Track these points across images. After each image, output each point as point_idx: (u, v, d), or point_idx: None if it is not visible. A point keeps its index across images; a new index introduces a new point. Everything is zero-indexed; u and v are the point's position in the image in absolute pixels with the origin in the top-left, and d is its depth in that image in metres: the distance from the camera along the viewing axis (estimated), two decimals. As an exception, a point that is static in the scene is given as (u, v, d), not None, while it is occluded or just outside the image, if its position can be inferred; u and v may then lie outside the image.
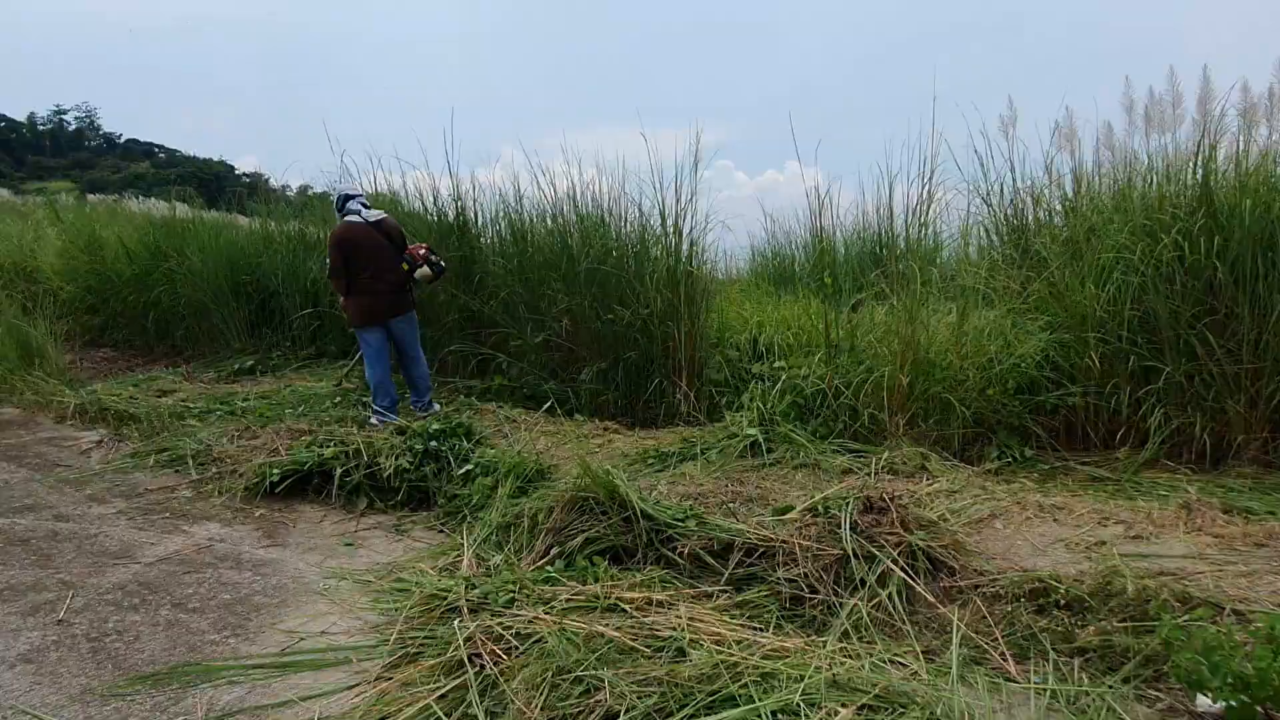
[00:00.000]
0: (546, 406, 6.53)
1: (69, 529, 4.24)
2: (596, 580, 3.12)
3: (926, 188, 5.85)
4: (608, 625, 2.73)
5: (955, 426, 5.36)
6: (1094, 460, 5.25)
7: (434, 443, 4.71)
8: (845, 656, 2.72)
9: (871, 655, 2.73)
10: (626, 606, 2.87)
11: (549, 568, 3.33)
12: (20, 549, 3.96)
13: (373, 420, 5.93)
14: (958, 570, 3.32)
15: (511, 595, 3.04)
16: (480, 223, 7.70)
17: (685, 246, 6.46)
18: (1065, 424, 5.52)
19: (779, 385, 5.61)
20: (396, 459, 4.56)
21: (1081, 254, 5.57)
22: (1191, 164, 5.56)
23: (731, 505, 3.79)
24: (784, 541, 3.30)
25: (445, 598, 3.15)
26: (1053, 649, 2.81)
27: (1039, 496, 4.24)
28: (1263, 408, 4.95)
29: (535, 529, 3.61)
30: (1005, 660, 2.79)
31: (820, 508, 3.54)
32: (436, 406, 6.24)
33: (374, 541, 4.11)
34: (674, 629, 2.73)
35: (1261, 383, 4.91)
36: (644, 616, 2.81)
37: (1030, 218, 6.96)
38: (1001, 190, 7.45)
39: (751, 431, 5.11)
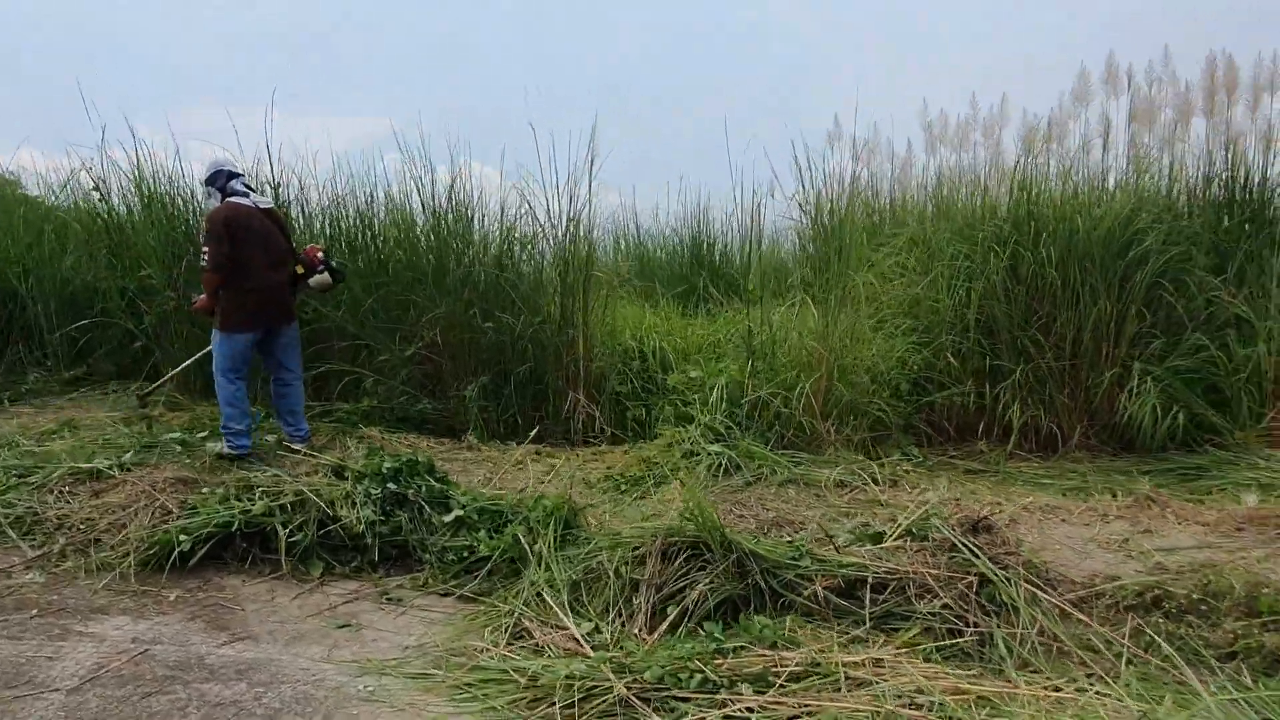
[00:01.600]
0: (427, 430, 5.74)
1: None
2: (770, 642, 2.65)
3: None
4: (861, 702, 2.31)
5: (863, 430, 5.49)
6: (961, 454, 5.65)
7: (392, 484, 3.84)
8: (1049, 690, 2.56)
9: (1077, 686, 2.59)
10: (850, 672, 2.46)
11: (678, 633, 2.80)
12: None
13: (223, 449, 4.76)
14: (1057, 583, 3.31)
15: (681, 672, 2.48)
16: (308, 217, 6.56)
17: (584, 248, 5.96)
18: (928, 421, 5.89)
19: (714, 395, 5.35)
20: (357, 508, 3.64)
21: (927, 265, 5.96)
22: (1010, 181, 6.24)
23: (803, 535, 3.46)
24: (914, 572, 3.06)
25: (575, 684, 2.51)
26: (1207, 655, 2.86)
27: (1029, 497, 4.40)
28: (1083, 399, 5.64)
29: (622, 585, 3.03)
30: (1179, 672, 2.79)
31: (914, 530, 3.35)
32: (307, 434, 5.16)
33: (368, 617, 3.23)
34: (918, 691, 2.39)
35: (1080, 376, 5.61)
36: (879, 682, 2.42)
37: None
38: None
39: (716, 449, 4.79)
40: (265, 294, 4.82)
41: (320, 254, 5.05)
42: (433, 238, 6.17)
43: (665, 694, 2.43)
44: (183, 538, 3.51)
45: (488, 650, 2.89)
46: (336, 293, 5.77)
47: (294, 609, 3.29)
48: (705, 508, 3.07)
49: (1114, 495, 4.56)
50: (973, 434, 5.81)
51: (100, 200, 6.49)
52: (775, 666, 2.50)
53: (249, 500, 3.68)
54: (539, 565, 3.26)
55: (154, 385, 5.71)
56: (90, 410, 5.83)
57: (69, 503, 4.00)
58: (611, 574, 3.06)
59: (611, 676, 2.50)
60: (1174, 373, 5.38)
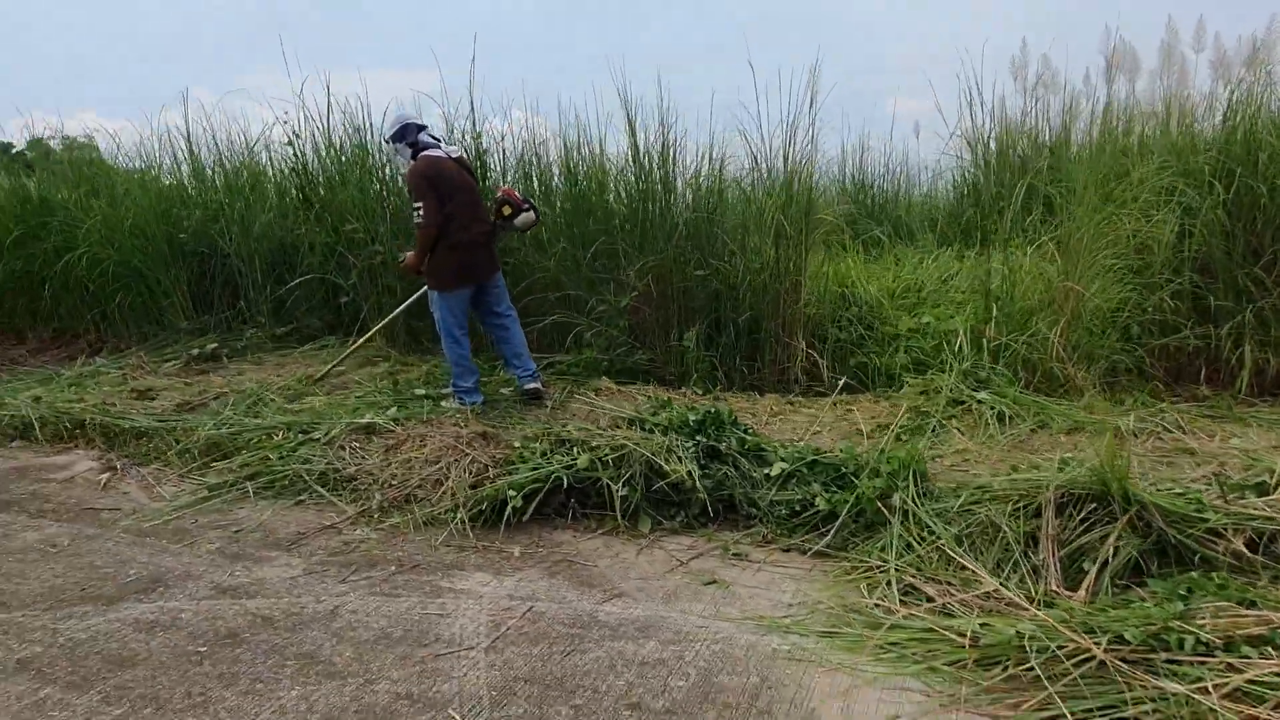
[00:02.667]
0: (648, 380, 5.63)
1: (270, 607, 2.86)
2: (1240, 600, 2.47)
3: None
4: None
5: (1099, 374, 5.22)
6: (1184, 397, 5.30)
7: (700, 437, 3.73)
8: None
9: None
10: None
11: (1101, 591, 2.64)
12: (253, 652, 2.58)
13: (452, 404, 4.81)
14: None
15: (1165, 633, 2.31)
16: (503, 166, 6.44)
17: (805, 193, 5.72)
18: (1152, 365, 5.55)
19: (957, 341, 5.13)
20: (682, 462, 3.53)
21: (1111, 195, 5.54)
22: (1224, 109, 5.81)
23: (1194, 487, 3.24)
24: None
25: (1030, 645, 2.37)
26: None
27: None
28: None
29: (1014, 539, 2.88)
30: None
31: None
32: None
33: (726, 574, 3.11)
34: None
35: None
36: None
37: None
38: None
39: (983, 396, 4.59)
40: (473, 248, 4.77)
41: (517, 194, 4.99)
42: (637, 184, 5.98)
43: (1150, 658, 2.28)
44: (511, 493, 3.44)
45: (883, 607, 2.77)
46: (546, 243, 5.68)
47: (645, 565, 3.20)
48: (1115, 456, 2.87)
49: None
50: (1193, 378, 5.52)
51: (296, 155, 6.45)
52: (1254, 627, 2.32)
53: (568, 454, 3.59)
54: (905, 520, 3.12)
55: (327, 368, 5.65)
56: (311, 364, 5.85)
57: (365, 458, 3.99)
58: (1005, 527, 2.90)
59: (1079, 637, 2.35)
60: None
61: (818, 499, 3.36)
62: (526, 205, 4.97)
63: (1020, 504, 2.98)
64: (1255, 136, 5.42)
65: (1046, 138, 7.82)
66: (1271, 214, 5.24)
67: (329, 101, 6.60)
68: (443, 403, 4.91)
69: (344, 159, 6.55)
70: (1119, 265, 5.21)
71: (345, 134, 6.52)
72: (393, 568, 3.18)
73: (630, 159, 6.03)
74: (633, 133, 5.88)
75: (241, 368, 5.90)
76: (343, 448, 4.07)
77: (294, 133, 6.51)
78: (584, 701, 2.31)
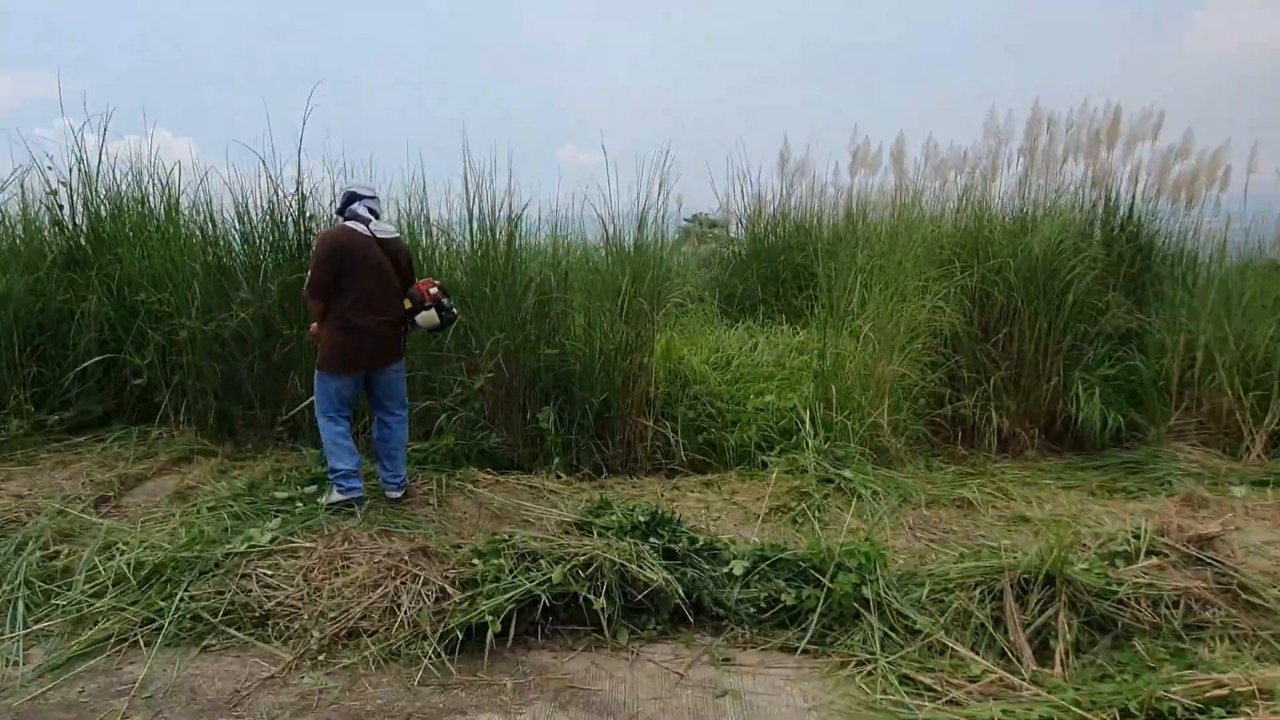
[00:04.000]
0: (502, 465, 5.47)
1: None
2: (1193, 665, 3.00)
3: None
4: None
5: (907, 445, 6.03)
6: (945, 458, 6.23)
7: (653, 539, 3.73)
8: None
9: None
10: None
11: (1069, 665, 3.07)
12: None
13: (333, 498, 4.45)
14: None
15: (1159, 702, 2.75)
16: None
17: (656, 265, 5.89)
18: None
19: (807, 420, 5.60)
20: (653, 569, 3.50)
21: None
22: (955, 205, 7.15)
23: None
24: (1191, 588, 3.54)
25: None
26: None
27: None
28: (1036, 403, 6.45)
29: (983, 626, 3.24)
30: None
31: (1149, 548, 3.84)
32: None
33: (729, 683, 3.13)
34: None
35: (1028, 383, 6.45)
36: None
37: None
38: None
39: (848, 474, 5.06)
40: (362, 335, 4.43)
41: (434, 289, 4.65)
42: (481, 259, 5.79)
43: (1151, 727, 2.71)
44: (489, 617, 3.21)
45: (900, 703, 2.99)
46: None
47: (646, 682, 3.14)
48: (1064, 542, 3.35)
49: (1164, 492, 5.33)
50: (952, 441, 6.52)
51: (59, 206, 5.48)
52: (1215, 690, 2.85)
53: (536, 569, 3.42)
54: (880, 611, 3.37)
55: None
56: (107, 462, 4.94)
57: (277, 588, 3.48)
58: (974, 613, 3.26)
59: (1094, 715, 2.73)
60: (1104, 380, 6.33)
61: (783, 595, 3.52)
62: (430, 304, 4.57)
63: (979, 589, 3.37)
64: (982, 231, 6.57)
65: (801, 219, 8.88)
66: (996, 298, 6.34)
67: (102, 145, 5.69)
68: (320, 499, 4.49)
69: (124, 211, 5.67)
70: (913, 346, 6.01)
71: (130, 181, 5.65)
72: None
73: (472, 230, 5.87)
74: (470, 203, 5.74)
75: (8, 471, 4.81)
76: (245, 576, 3.51)
77: (60, 180, 5.54)
78: None
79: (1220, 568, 3.67)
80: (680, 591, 3.49)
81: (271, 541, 3.77)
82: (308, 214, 5.59)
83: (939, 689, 3.03)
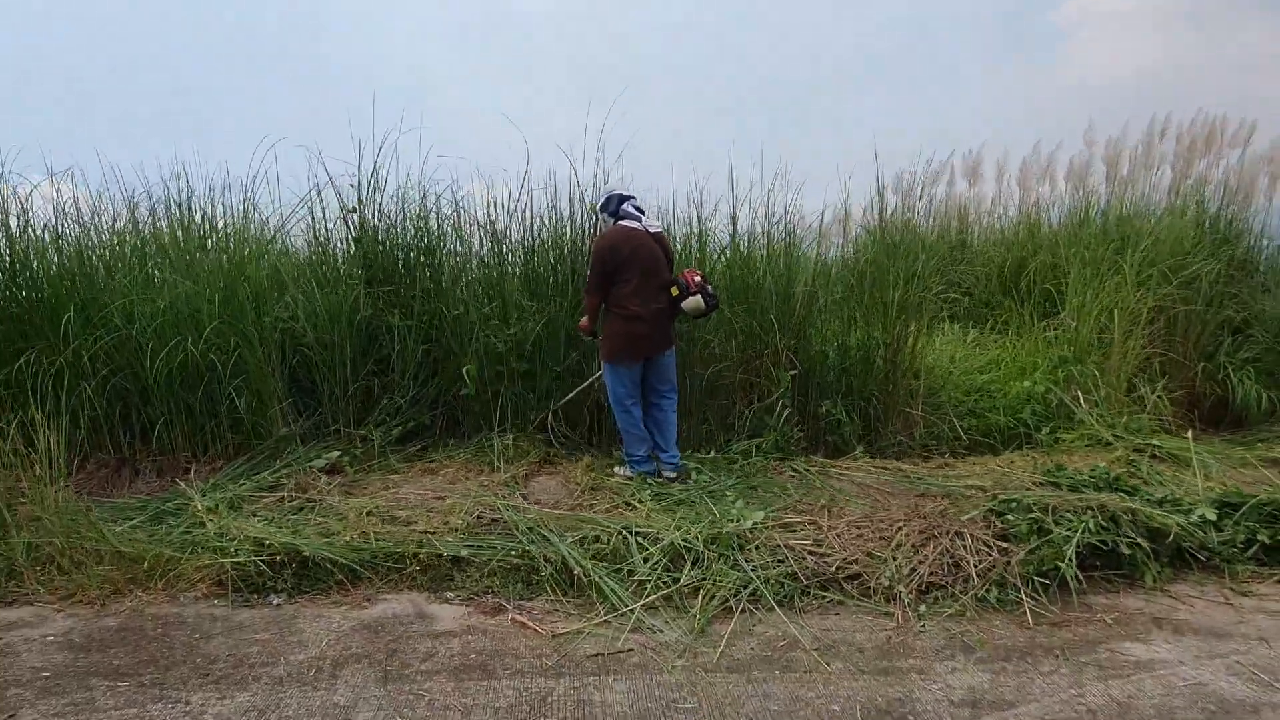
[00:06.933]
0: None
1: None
2: None
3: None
4: None
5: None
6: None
7: (1120, 492, 4.07)
8: None
9: None
10: None
11: None
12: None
13: (622, 472, 5.01)
14: None
15: None
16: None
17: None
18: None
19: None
20: (1157, 518, 3.84)
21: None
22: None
23: None
24: None
25: None
26: None
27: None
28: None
29: None
30: None
31: None
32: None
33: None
34: None
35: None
36: None
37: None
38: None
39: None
40: (644, 322, 4.79)
41: (698, 277, 4.93)
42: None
43: None
44: (1061, 564, 3.50)
45: None
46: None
47: (1209, 609, 3.47)
48: None
49: None
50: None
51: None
52: None
53: (1060, 522, 3.71)
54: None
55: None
56: (473, 469, 5.00)
57: (827, 556, 3.67)
58: None
59: None
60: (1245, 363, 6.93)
61: (1259, 535, 3.90)
62: (695, 290, 4.85)
63: None
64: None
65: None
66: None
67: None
68: (615, 469, 5.07)
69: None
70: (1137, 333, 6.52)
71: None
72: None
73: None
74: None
75: (388, 481, 4.79)
76: (780, 547, 3.70)
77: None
78: None
79: None
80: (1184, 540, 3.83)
81: (762, 520, 3.97)
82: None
83: None
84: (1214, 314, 6.92)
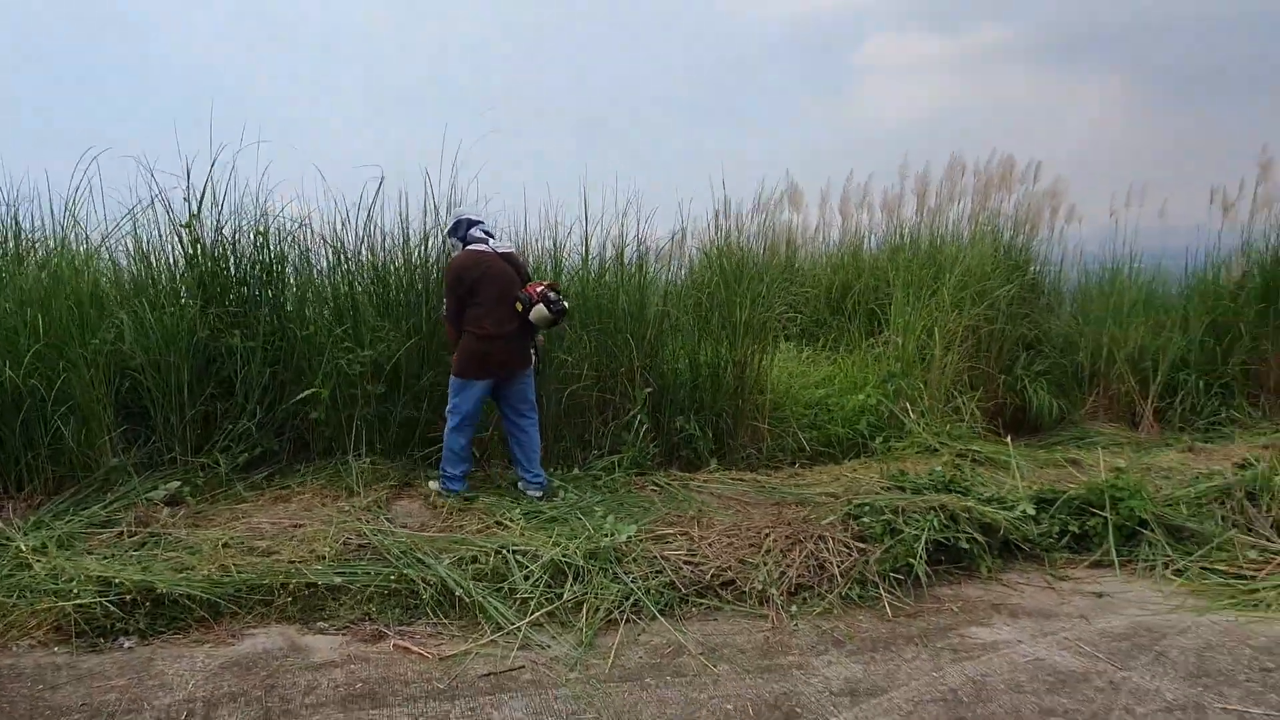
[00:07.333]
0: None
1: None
2: None
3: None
4: None
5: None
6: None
7: (955, 493, 4.48)
8: None
9: None
10: None
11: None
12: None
13: (434, 486, 4.99)
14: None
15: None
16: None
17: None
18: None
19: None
20: (991, 514, 4.25)
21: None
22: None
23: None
24: None
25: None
26: None
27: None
28: None
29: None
30: None
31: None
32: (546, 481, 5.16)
33: (1094, 588, 3.96)
34: None
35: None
36: None
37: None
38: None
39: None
40: (496, 341, 4.85)
41: (540, 288, 4.92)
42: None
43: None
44: (912, 561, 3.81)
45: (1225, 584, 3.95)
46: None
47: (1038, 595, 3.89)
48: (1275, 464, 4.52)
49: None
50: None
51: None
52: None
53: (908, 522, 4.04)
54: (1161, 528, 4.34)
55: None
56: (330, 494, 4.79)
57: (702, 564, 3.81)
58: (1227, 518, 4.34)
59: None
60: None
61: (1070, 526, 4.41)
62: (537, 299, 4.83)
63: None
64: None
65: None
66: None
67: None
68: (429, 483, 5.03)
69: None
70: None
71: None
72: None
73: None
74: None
75: (238, 511, 4.49)
76: (656, 558, 3.81)
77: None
78: None
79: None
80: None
81: (635, 534, 4.07)
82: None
83: (1232, 572, 4.04)
84: (1012, 331, 7.72)
